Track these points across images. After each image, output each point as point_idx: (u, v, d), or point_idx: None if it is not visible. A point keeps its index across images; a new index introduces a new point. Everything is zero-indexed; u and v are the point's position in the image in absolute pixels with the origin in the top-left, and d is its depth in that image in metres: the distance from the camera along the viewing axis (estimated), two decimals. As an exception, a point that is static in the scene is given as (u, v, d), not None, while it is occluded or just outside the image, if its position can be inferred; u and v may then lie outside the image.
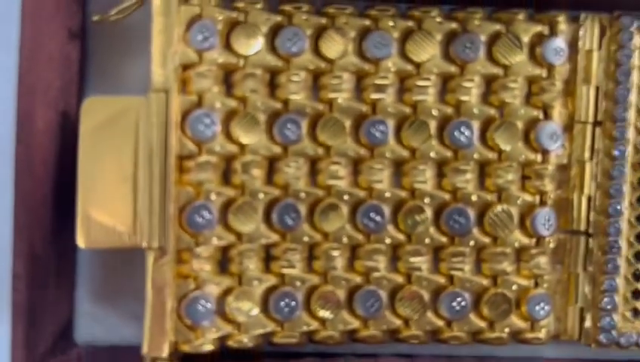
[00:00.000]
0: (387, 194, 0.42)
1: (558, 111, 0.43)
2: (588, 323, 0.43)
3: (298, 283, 0.42)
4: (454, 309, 0.43)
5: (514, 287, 0.43)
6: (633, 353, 0.44)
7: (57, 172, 0.42)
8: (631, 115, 0.43)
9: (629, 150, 0.43)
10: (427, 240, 0.43)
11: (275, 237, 0.42)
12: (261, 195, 0.41)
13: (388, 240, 0.43)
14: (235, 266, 0.41)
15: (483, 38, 0.42)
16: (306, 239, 0.42)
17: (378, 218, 0.42)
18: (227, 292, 0.41)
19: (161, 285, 0.39)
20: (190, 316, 0.40)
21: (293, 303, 0.42)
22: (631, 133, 0.43)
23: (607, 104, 0.43)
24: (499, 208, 0.42)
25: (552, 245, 0.43)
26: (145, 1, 0.40)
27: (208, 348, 0.40)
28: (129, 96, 0.40)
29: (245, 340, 0.41)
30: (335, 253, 0.42)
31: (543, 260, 0.43)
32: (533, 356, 0.45)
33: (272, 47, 0.42)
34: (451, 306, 0.43)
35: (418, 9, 0.43)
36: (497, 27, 0.43)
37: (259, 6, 0.42)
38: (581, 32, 0.43)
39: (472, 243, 0.43)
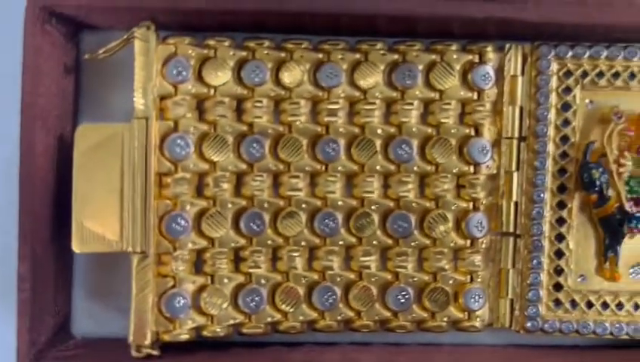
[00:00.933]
0: (340, 203, 0.48)
1: (487, 129, 0.49)
2: (517, 313, 0.49)
3: (263, 281, 0.48)
4: (399, 301, 0.49)
5: (451, 282, 0.49)
6: (557, 338, 0.49)
7: (55, 188, 0.47)
8: (550, 131, 0.49)
9: (549, 162, 0.49)
10: (375, 242, 0.49)
11: (242, 242, 0.48)
12: (230, 205, 0.47)
13: (341, 243, 0.49)
14: (208, 267, 0.47)
15: (420, 67, 0.48)
16: (269, 243, 0.48)
17: (332, 223, 0.48)
18: (201, 289, 0.47)
19: (143, 284, 0.45)
20: (169, 310, 0.46)
21: (258, 298, 0.48)
22: (550, 147, 0.49)
23: (530, 122, 0.49)
24: (436, 213, 0.49)
25: (484, 245, 0.49)
26: (129, 41, 0.47)
27: (185, 337, 0.46)
28: (115, 122, 0.46)
29: (218, 330, 0.47)
30: (295, 255, 0.48)
31: (477, 258, 0.49)
32: (472, 342, 0.50)
33: (238, 78, 0.48)
34: (397, 299, 0.49)
35: (364, 43, 0.49)
36: (433, 57, 0.49)
37: (226, 43, 0.48)
38: (506, 60, 0.49)
39: (414, 244, 0.49)
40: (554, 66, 0.48)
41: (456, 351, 0.49)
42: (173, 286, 0.46)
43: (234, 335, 0.48)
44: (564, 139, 0.48)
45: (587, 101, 0.49)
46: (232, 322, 0.47)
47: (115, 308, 0.49)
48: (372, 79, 0.48)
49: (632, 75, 0.48)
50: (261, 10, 0.46)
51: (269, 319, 0.48)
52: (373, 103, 0.48)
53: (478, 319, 0.49)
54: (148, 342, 0.45)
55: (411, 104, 0.48)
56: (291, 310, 0.48)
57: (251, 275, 0.48)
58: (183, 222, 0.46)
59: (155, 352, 0.45)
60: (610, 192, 0.48)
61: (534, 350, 0.49)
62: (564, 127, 0.48)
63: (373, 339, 0.50)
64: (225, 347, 0.48)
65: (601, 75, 0.48)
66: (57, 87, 0.48)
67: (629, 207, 0.47)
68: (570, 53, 0.48)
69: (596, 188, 0.47)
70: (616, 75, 0.48)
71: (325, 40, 0.48)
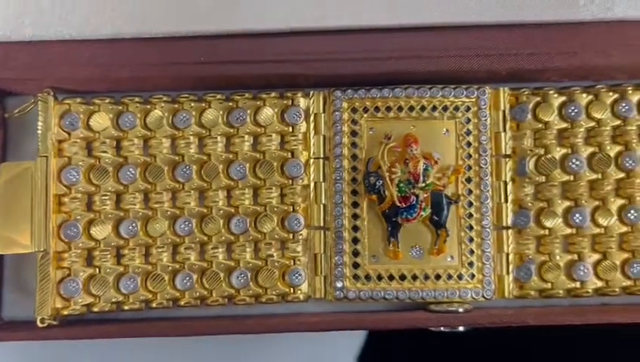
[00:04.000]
0: (194, 211, 0.65)
1: (300, 153, 0.65)
2: (329, 287, 0.65)
3: (138, 270, 0.64)
4: (240, 281, 0.64)
5: (278, 265, 0.64)
6: (359, 304, 0.64)
7: (-14, 211, 0.65)
8: (345, 151, 0.65)
9: (345, 174, 0.65)
10: (222, 238, 0.64)
11: (121, 242, 0.64)
12: (111, 216, 0.64)
13: (197, 240, 0.65)
14: (96, 261, 0.63)
15: (249, 111, 0.65)
16: (141, 242, 0.64)
17: (189, 226, 0.65)
18: (91, 277, 0.63)
19: (45, 273, 0.62)
20: (65, 292, 0.62)
21: (135, 283, 0.64)
22: (345, 163, 0.65)
23: (330, 146, 0.66)
24: (265, 215, 0.65)
25: (302, 237, 0.65)
26: (35, 103, 0.64)
27: (78, 311, 0.62)
28: (27, 161, 0.64)
29: (104, 305, 0.63)
30: (162, 250, 0.64)
31: (297, 247, 0.65)
32: (299, 312, 0.66)
33: (116, 125, 0.65)
34: (238, 279, 0.64)
35: (208, 95, 0.66)
36: (258, 103, 0.65)
37: (107, 101, 0.65)
38: (311, 102, 0.65)
39: (250, 238, 0.65)
40: (344, 105, 0.65)
41: (288, 317, 0.66)
42: (69, 275, 0.63)
43: (117, 312, 0.64)
44: (354, 157, 0.65)
45: (369, 128, 0.66)
46: (114, 300, 0.63)
47: (33, 296, 0.65)
48: (214, 121, 0.65)
49: (400, 108, 0.65)
50: (138, 76, 0.65)
51: (142, 298, 0.64)
52: (216, 138, 0.65)
53: (300, 292, 0.65)
54: (48, 315, 0.61)
55: (243, 137, 0.65)
56: (159, 291, 0.64)
57: (129, 266, 0.64)
58: (75, 229, 0.63)
59: (54, 322, 0.62)
60: (387, 193, 0.65)
61: (342, 314, 0.65)
62: (353, 148, 0.65)
63: (225, 313, 0.66)
64: (111, 321, 0.64)
65: (377, 109, 0.66)
66: (-12, 138, 0.66)
67: (399, 203, 0.64)
68: (355, 95, 0.65)
69: (375, 191, 0.65)
70: (389, 108, 0.65)
71: (179, 94, 0.66)
